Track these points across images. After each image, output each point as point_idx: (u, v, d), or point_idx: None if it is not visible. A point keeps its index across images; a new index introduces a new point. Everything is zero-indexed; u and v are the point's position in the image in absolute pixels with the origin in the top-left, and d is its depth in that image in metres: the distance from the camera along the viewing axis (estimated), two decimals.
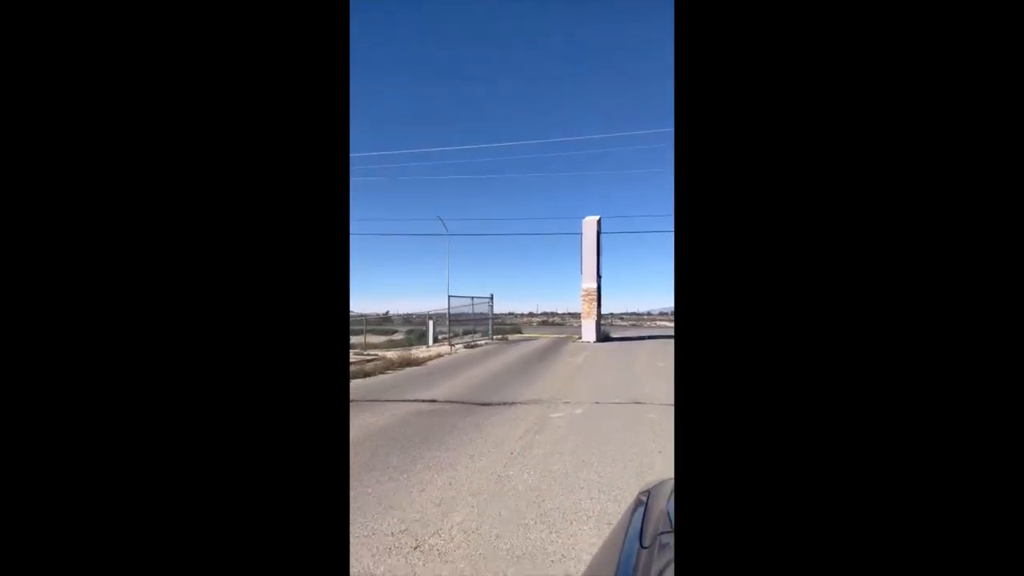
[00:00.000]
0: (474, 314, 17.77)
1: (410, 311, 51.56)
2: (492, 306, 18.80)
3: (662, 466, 3.96)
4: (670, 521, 0.95)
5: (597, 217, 18.73)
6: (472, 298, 17.18)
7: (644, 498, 1.15)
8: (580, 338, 18.35)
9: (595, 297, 18.18)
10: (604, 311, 22.90)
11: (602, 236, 20.71)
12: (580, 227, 18.79)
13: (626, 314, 55.79)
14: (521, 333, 25.46)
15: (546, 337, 21.57)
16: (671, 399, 6.25)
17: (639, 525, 1.00)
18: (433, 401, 6.90)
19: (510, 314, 57.06)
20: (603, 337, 19.93)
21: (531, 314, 57.00)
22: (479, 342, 17.20)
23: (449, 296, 15.45)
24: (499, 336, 20.14)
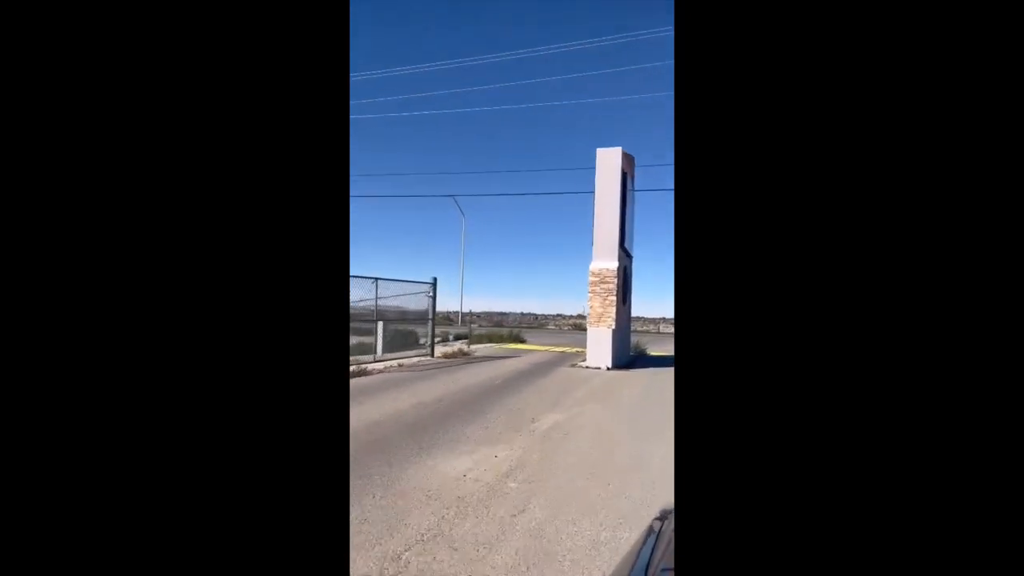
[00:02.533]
0: (385, 308, 10.06)
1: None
2: (435, 298, 11.10)
3: None
4: None
5: (619, 149, 10.60)
6: (374, 280, 9.34)
7: (657, 526, 1.10)
8: (584, 362, 10.25)
9: (614, 286, 10.07)
10: (638, 312, 14.92)
11: (635, 190, 12.54)
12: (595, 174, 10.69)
13: None
14: (520, 343, 17.57)
15: (541, 352, 13.61)
16: None
17: (647, 556, 0.96)
18: None
19: (558, 315, 49.39)
20: (630, 358, 11.73)
21: (580, 316, 48.90)
22: (380, 362, 9.50)
23: None
24: (455, 350, 12.31)
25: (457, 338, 18.15)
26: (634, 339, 13.56)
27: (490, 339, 19.02)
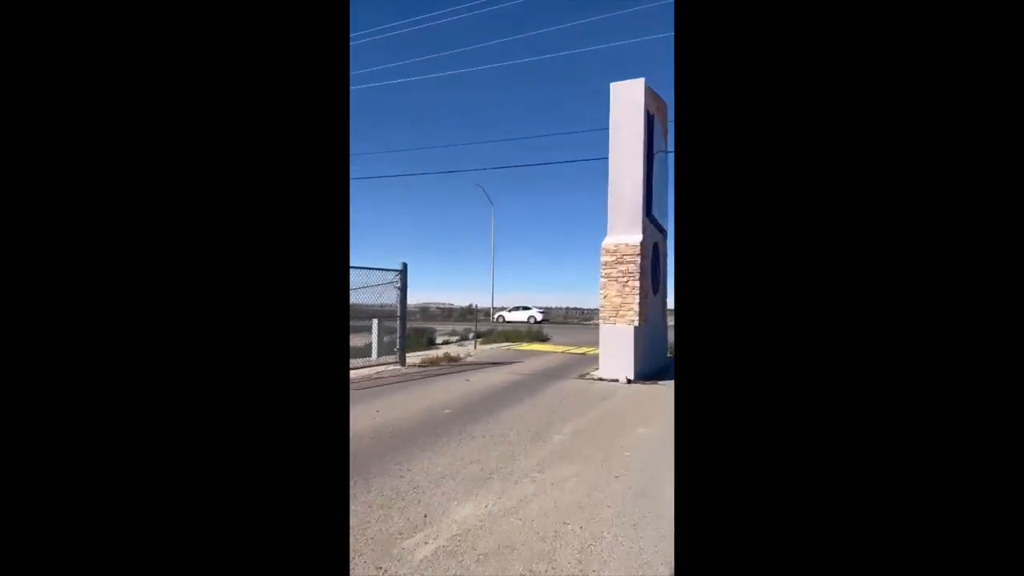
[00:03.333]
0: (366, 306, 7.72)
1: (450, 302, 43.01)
2: (404, 290, 8.56)
3: None
4: None
5: (641, 81, 7.76)
6: None
7: None
8: (597, 372, 7.50)
9: (636, 268, 7.29)
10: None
11: (668, 151, 9.61)
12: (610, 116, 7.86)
13: None
14: (541, 342, 14.94)
15: (556, 355, 10.90)
16: None
17: None
18: None
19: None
20: (663, 365, 8.84)
21: None
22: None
23: None
24: (439, 355, 9.77)
25: (478, 336, 16.05)
26: (672, 338, 10.65)
27: (507, 338, 16.56)
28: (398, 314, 8.42)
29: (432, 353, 10.04)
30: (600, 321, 7.56)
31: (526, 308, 33.74)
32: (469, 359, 9.78)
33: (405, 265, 8.45)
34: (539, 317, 31.30)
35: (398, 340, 8.41)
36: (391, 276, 8.27)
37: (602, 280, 7.48)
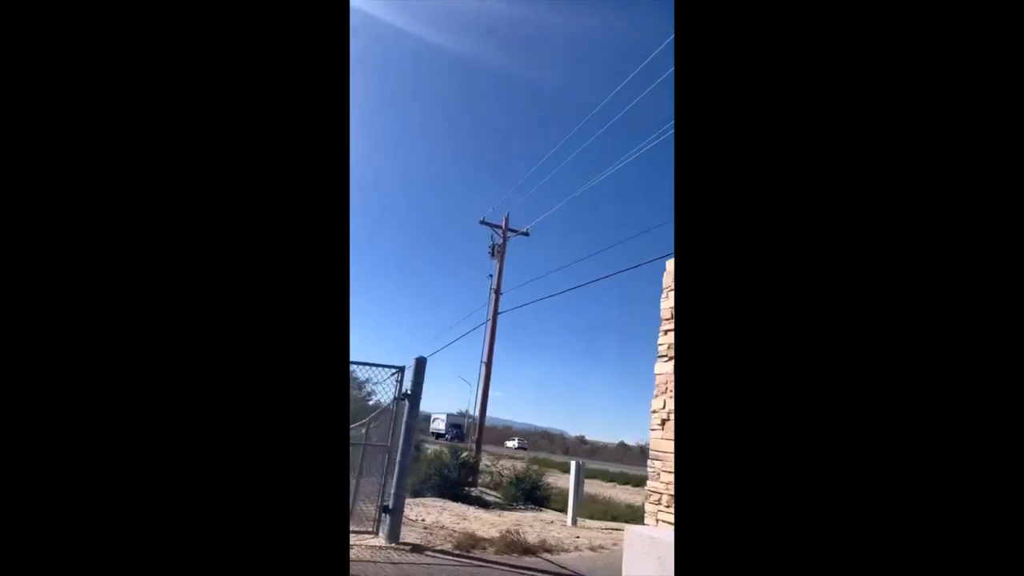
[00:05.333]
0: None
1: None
2: (415, 397, 5.41)
3: None
4: None
5: None
6: None
7: None
8: None
9: None
10: None
11: None
12: None
13: None
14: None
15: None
16: None
17: None
18: None
19: None
20: None
21: None
22: None
23: None
24: (489, 536, 6.83)
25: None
26: None
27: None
28: (398, 442, 5.60)
29: (480, 530, 6.53)
30: (645, 512, 4.42)
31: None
32: (568, 554, 5.63)
33: (419, 361, 6.28)
34: (517, 444, 32.46)
35: (390, 493, 5.23)
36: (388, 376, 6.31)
37: (653, 427, 4.43)
